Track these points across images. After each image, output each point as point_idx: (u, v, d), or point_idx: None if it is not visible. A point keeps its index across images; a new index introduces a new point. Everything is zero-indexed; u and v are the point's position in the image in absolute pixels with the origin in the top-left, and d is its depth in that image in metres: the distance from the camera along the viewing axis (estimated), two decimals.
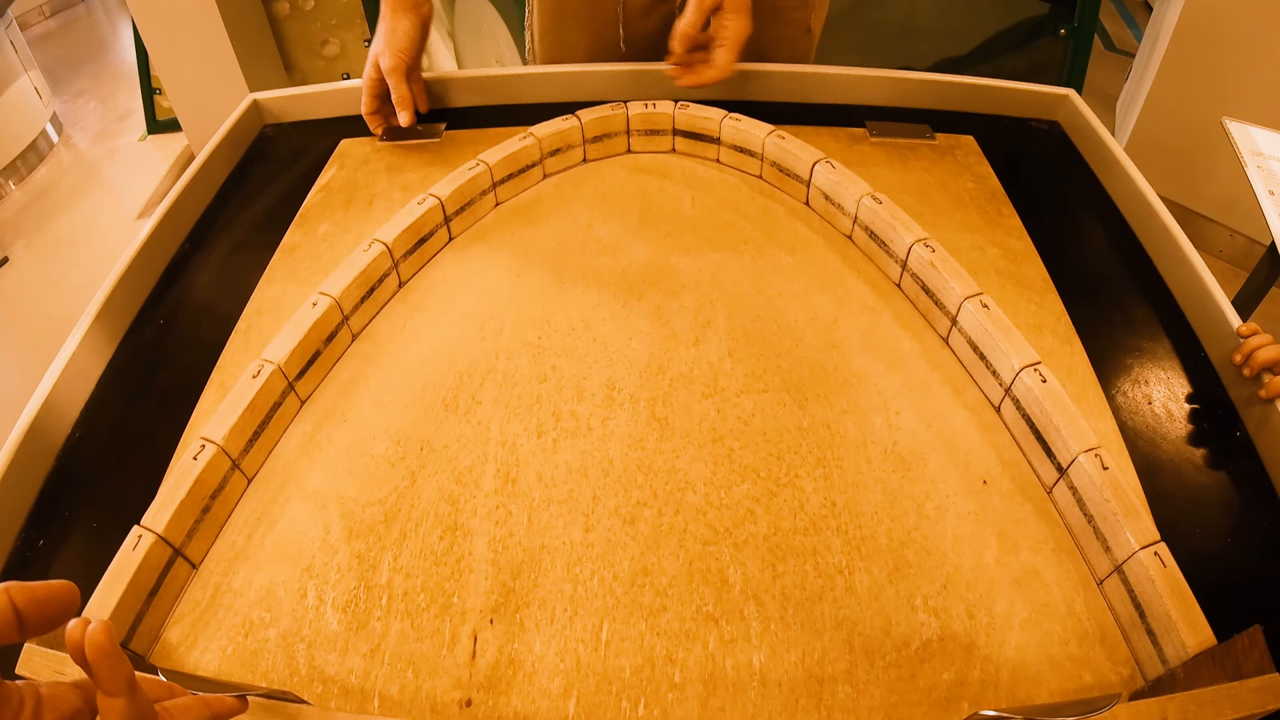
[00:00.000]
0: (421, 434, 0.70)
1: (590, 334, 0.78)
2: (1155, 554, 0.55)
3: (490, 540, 0.63)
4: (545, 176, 0.99)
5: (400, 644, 0.57)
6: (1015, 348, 0.69)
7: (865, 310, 0.81)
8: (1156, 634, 0.53)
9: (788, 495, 0.65)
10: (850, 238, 0.89)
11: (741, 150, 0.98)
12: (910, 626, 0.57)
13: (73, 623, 0.33)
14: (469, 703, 0.54)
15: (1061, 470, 0.63)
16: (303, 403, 0.73)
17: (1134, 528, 0.57)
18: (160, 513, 0.59)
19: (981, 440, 0.69)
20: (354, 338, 0.79)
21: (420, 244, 0.86)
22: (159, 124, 3.22)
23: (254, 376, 0.68)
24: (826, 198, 0.90)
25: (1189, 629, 0.51)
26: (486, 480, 0.67)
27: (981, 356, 0.72)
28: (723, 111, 0.99)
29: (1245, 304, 1.20)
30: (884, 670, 0.55)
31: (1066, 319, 0.80)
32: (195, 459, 0.62)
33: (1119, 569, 0.57)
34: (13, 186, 3.15)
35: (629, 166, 1.01)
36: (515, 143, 0.95)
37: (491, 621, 0.58)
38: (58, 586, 0.33)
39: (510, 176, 0.95)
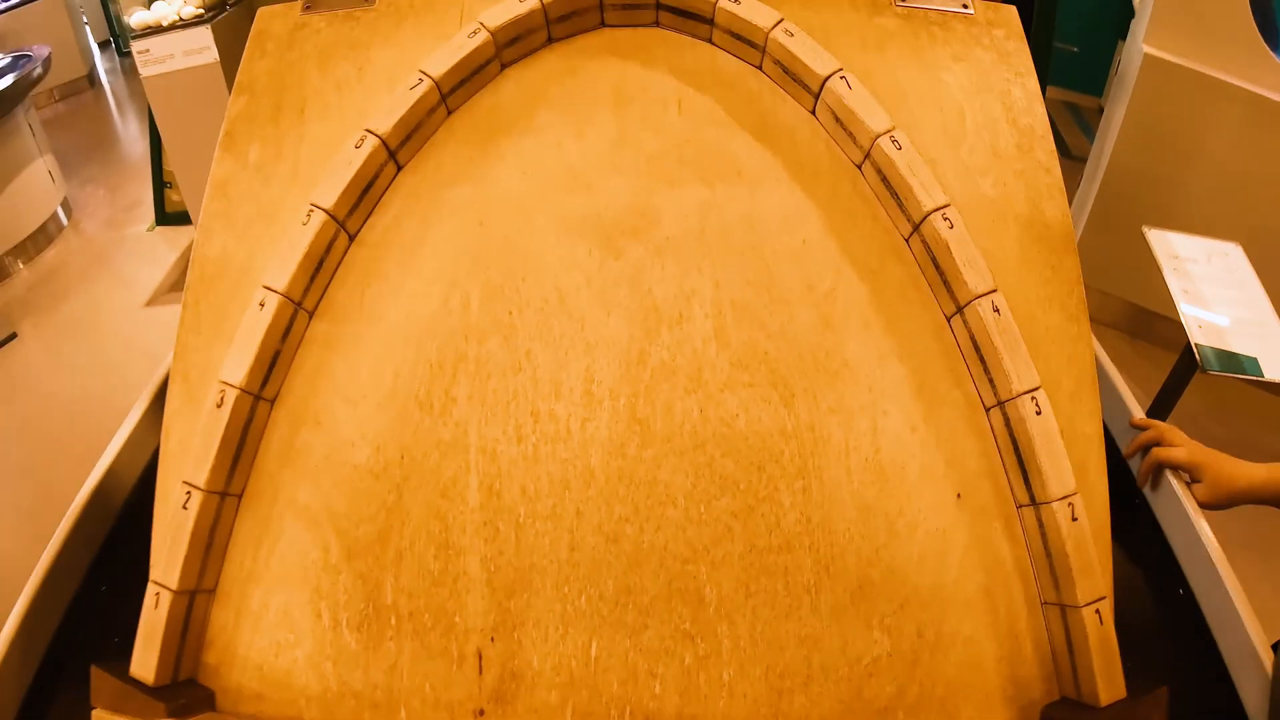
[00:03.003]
0: (400, 440, 0.66)
1: (565, 309, 0.68)
2: (1096, 611, 0.57)
3: (482, 559, 0.63)
4: (503, 67, 0.77)
5: (414, 662, 0.61)
6: (1019, 367, 0.61)
7: (867, 274, 0.70)
8: (1080, 679, 0.58)
9: (765, 510, 0.64)
10: (860, 169, 0.72)
11: (740, 38, 0.74)
12: (864, 644, 0.61)
13: None
14: (481, 712, 0.61)
15: (1034, 503, 0.61)
16: (271, 404, 0.67)
17: (1084, 584, 0.57)
18: (169, 569, 0.59)
19: (966, 447, 0.65)
20: (310, 317, 0.69)
21: (365, 192, 0.70)
22: (168, 216, 3.12)
23: (218, 405, 0.62)
24: (838, 121, 0.71)
25: (1106, 685, 0.55)
26: (471, 494, 0.65)
27: (982, 362, 0.64)
28: None
29: (1171, 390, 1.19)
30: (835, 684, 0.60)
31: (1080, 292, 0.70)
32: (185, 508, 0.60)
33: (1064, 612, 0.59)
34: (21, 266, 3.07)
35: (604, 49, 0.77)
36: (464, 41, 0.71)
37: (492, 640, 0.62)
38: None
39: (462, 83, 0.73)
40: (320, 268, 0.68)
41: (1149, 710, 0.55)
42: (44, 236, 3.22)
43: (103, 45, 5.49)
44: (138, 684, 0.57)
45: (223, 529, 0.63)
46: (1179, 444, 0.77)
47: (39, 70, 3.13)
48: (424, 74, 0.71)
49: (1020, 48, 0.79)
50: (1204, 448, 0.75)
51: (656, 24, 0.78)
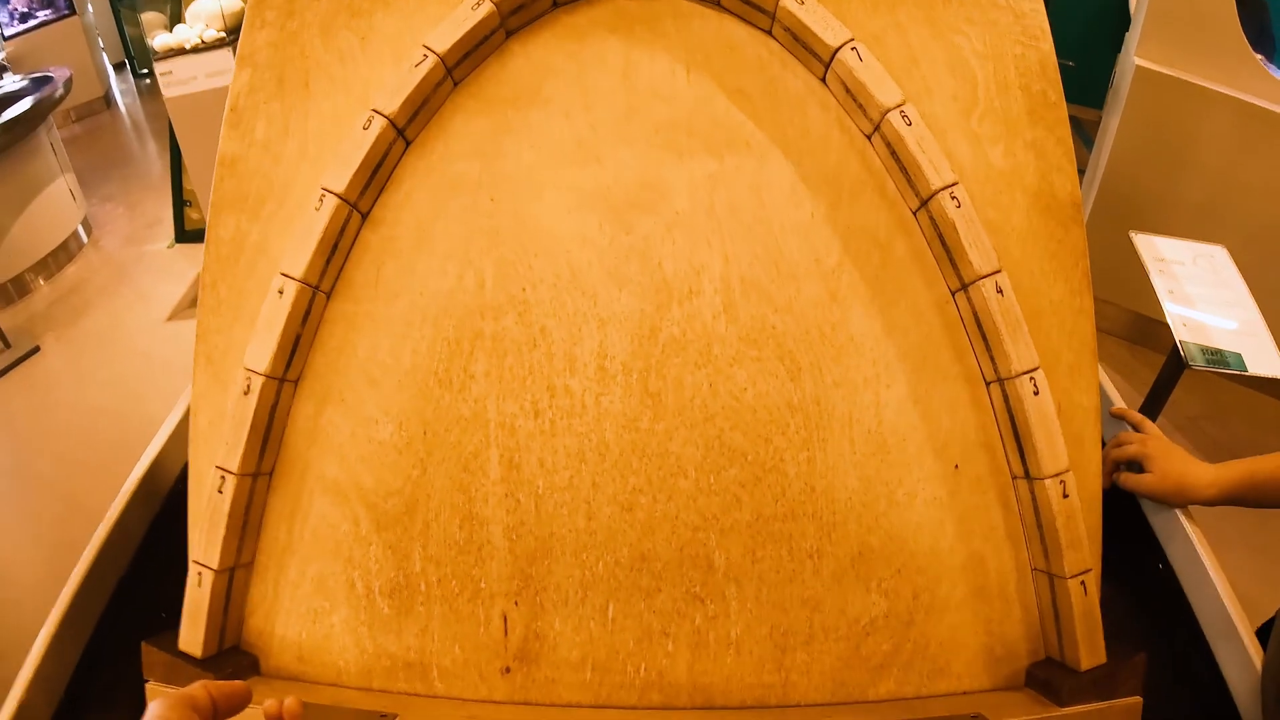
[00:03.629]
0: (421, 415, 0.68)
1: (577, 284, 0.69)
2: (1082, 582, 0.60)
3: (505, 528, 0.66)
4: (509, 35, 0.74)
5: (444, 625, 0.65)
6: (1019, 348, 0.63)
7: (875, 247, 0.70)
8: (1064, 644, 0.61)
9: (772, 480, 0.66)
10: (870, 140, 0.71)
11: (750, 3, 0.71)
12: (863, 606, 0.65)
13: (269, 702, 0.44)
14: (508, 669, 0.65)
15: (1029, 477, 0.63)
16: (295, 384, 0.69)
17: (1072, 557, 0.60)
18: (209, 549, 0.62)
19: (965, 418, 0.67)
20: (328, 297, 0.70)
21: (375, 172, 0.69)
22: (187, 234, 3.13)
23: (245, 393, 0.63)
24: (848, 91, 0.69)
25: (1087, 651, 0.59)
26: (492, 467, 0.67)
27: (984, 339, 0.65)
28: None
29: (1162, 387, 1.21)
30: (835, 642, 0.64)
31: (1085, 265, 0.70)
32: (220, 492, 0.62)
33: (1052, 580, 0.62)
34: (42, 282, 3.08)
35: (611, 14, 0.75)
36: (467, 14, 0.69)
37: (516, 604, 0.65)
38: (239, 686, 0.43)
39: (467, 55, 0.71)
40: (335, 250, 0.68)
41: (1126, 676, 0.59)
42: (65, 253, 3.25)
43: (118, 67, 5.48)
44: (186, 656, 0.61)
45: (256, 507, 0.66)
46: (1148, 435, 0.79)
47: (60, 91, 3.16)
48: (428, 49, 0.69)
49: (1036, 8, 0.76)
50: (1164, 443, 0.77)
51: None
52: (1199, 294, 1.08)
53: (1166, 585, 0.73)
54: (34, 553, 1.76)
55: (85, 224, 3.44)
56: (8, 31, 4.29)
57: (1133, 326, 2.18)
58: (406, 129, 0.71)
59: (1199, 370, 1.01)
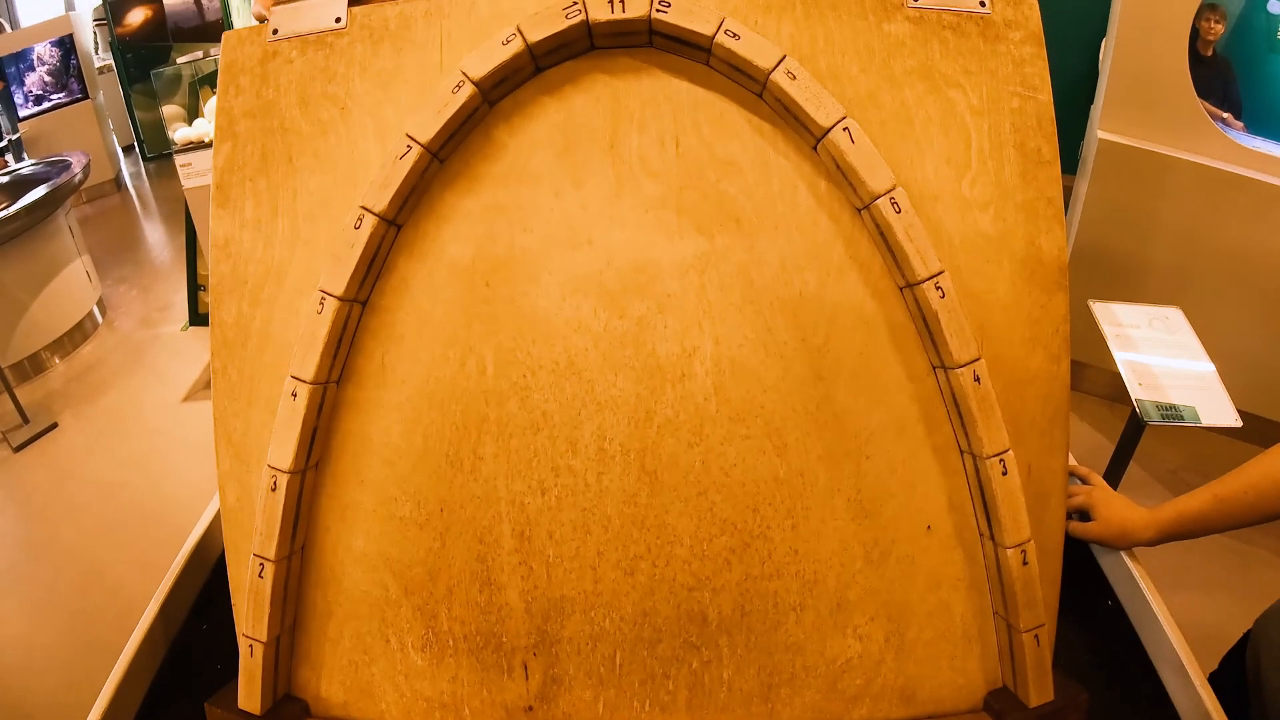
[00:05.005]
0: (437, 494, 0.72)
1: (575, 371, 0.71)
2: (1035, 636, 0.66)
3: (520, 592, 0.72)
4: (492, 104, 0.71)
5: (472, 673, 0.73)
6: (991, 433, 0.65)
7: (860, 324, 0.70)
8: (1016, 682, 0.69)
9: (758, 545, 0.71)
10: (860, 214, 0.70)
11: (739, 71, 0.67)
12: (840, 648, 0.72)
13: None
14: (530, 708, 0.73)
15: (994, 541, 0.68)
16: (317, 468, 0.72)
17: (1027, 615, 0.66)
18: (256, 625, 0.68)
19: (939, 484, 0.71)
20: (337, 386, 0.72)
21: (370, 265, 0.69)
22: (201, 317, 3.14)
23: (272, 490, 0.67)
24: (839, 168, 0.67)
25: (1036, 692, 0.66)
26: (505, 539, 0.72)
27: (960, 416, 0.68)
28: (718, 16, 0.64)
29: (1126, 443, 1.21)
30: (815, 679, 0.72)
31: (1065, 330, 0.71)
32: (260, 577, 0.67)
33: (1010, 629, 0.68)
34: (58, 361, 3.09)
35: (596, 77, 0.70)
36: (448, 98, 0.65)
37: (535, 655, 0.72)
38: None
39: (451, 137, 0.68)
40: (340, 344, 0.69)
41: (1070, 712, 0.67)
42: (80, 333, 3.22)
43: (126, 150, 5.37)
44: (245, 714, 0.69)
45: (294, 581, 0.72)
46: (1093, 486, 0.85)
47: (79, 176, 3.12)
48: (412, 140, 0.66)
49: (1036, 54, 0.72)
50: (1107, 492, 0.83)
51: (649, 45, 0.71)
52: (1155, 354, 1.12)
53: (1116, 620, 0.81)
54: (54, 621, 1.80)
55: (100, 305, 3.44)
56: (22, 113, 4.31)
57: (1112, 386, 2.18)
58: (397, 216, 0.70)
59: (1157, 425, 1.05)
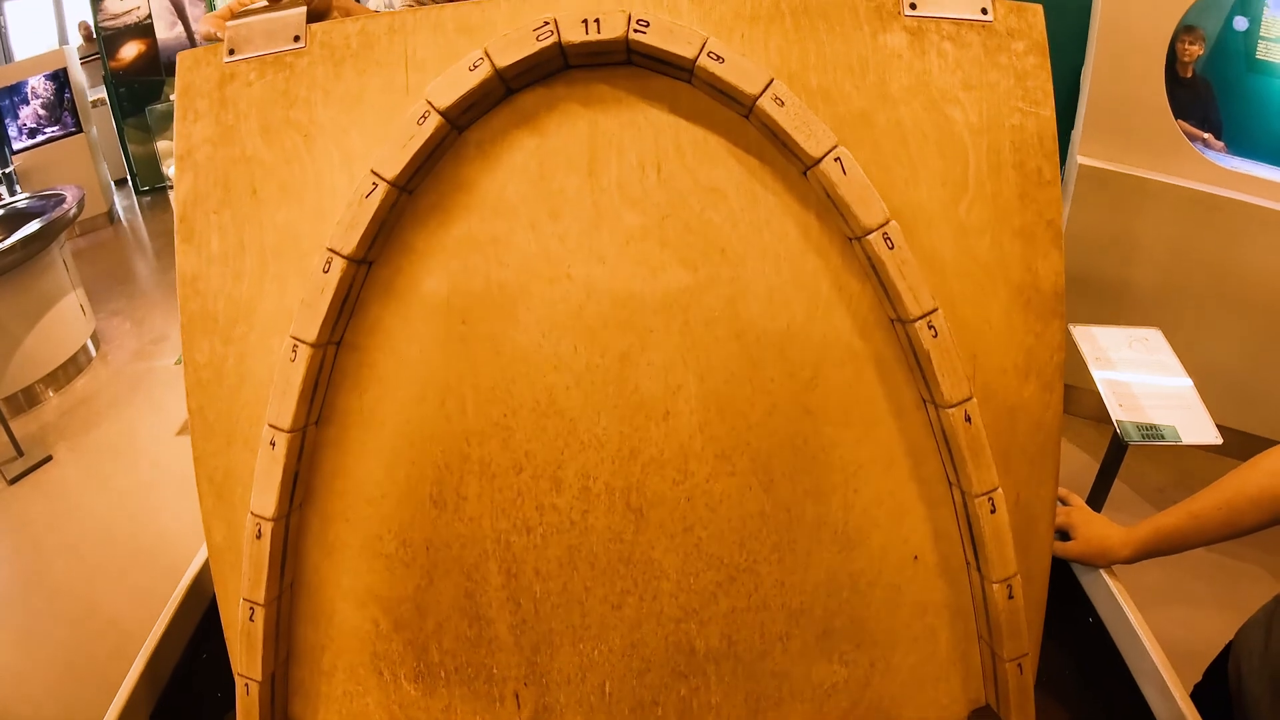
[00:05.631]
0: (422, 533, 0.71)
1: (556, 410, 0.68)
2: (1019, 665, 0.66)
3: (509, 626, 0.72)
4: (461, 131, 0.66)
5: (464, 702, 0.73)
6: (980, 472, 0.63)
7: (849, 358, 0.68)
8: (999, 706, 0.69)
9: (745, 579, 0.71)
10: (851, 243, 0.66)
11: (723, 94, 0.62)
12: (825, 673, 0.72)
13: None
14: None
15: (980, 573, 0.67)
16: (302, 508, 0.71)
17: (1011, 645, 0.66)
18: (250, 665, 0.68)
19: (927, 515, 0.70)
20: (316, 426, 0.70)
21: (343, 306, 0.65)
22: None
23: (257, 537, 0.66)
24: (830, 199, 0.63)
25: (1020, 716, 0.67)
26: (492, 576, 0.71)
27: (949, 451, 0.66)
28: (700, 38, 0.59)
29: (1110, 464, 1.20)
30: (801, 703, 0.72)
31: (1059, 358, 0.68)
32: (252, 620, 0.67)
33: (994, 655, 0.68)
34: (51, 394, 3.04)
35: (572, 97, 0.65)
36: (412, 129, 0.60)
37: (526, 685, 0.73)
38: None
39: (418, 170, 0.64)
40: (316, 388, 0.67)
41: None
42: (74, 366, 3.18)
43: (119, 183, 5.27)
44: None
45: (285, 618, 0.71)
46: (1072, 507, 0.85)
47: (74, 210, 3.08)
48: (378, 177, 0.62)
49: (1039, 66, 0.67)
50: (1086, 512, 0.83)
51: (628, 63, 0.66)
52: (1135, 375, 1.10)
53: (1098, 636, 0.81)
54: (49, 653, 1.79)
55: (94, 338, 3.38)
56: (16, 146, 4.26)
57: (1097, 407, 2.36)
58: (367, 255, 0.66)
59: (1138, 445, 1.04)
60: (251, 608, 0.67)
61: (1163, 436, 1.06)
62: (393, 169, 0.62)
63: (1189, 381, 1.10)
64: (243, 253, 0.69)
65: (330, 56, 0.68)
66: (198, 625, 0.87)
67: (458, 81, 0.62)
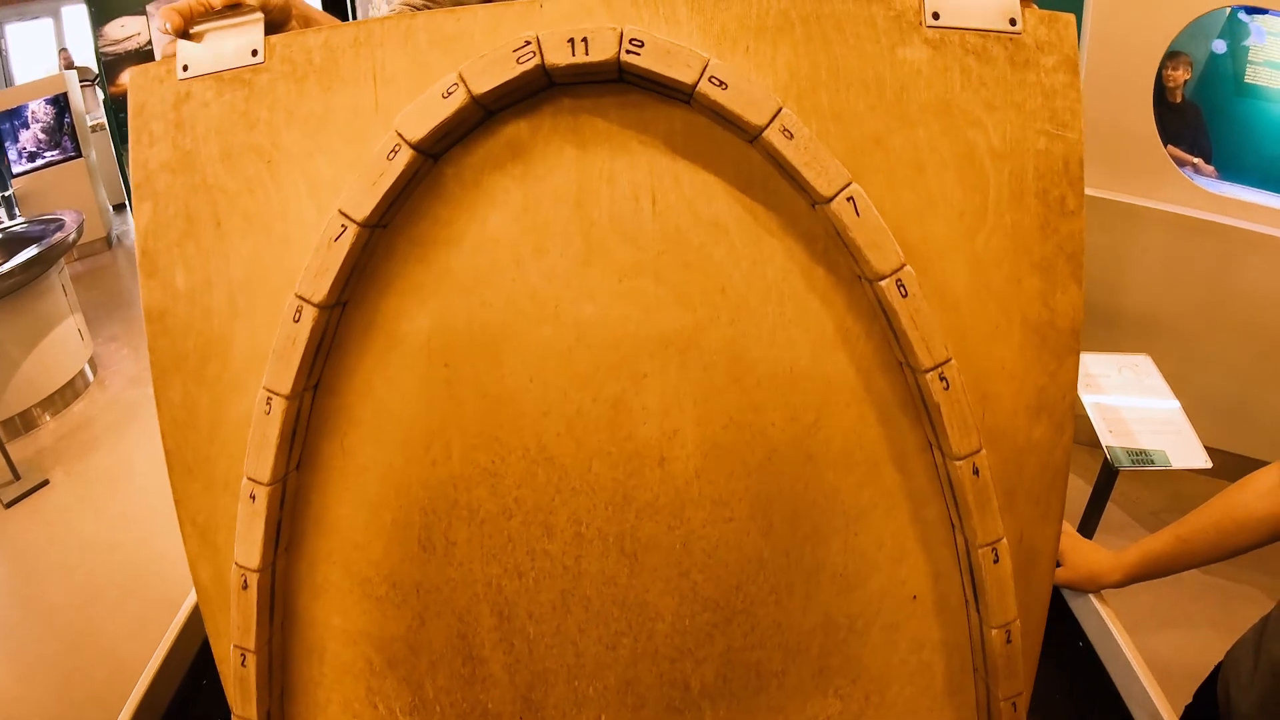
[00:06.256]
0: (412, 577, 0.68)
1: (546, 456, 0.65)
2: (1013, 704, 0.65)
3: (504, 665, 0.71)
4: (436, 159, 0.59)
5: None
6: (985, 524, 0.60)
7: (853, 401, 0.63)
8: None
9: (741, 620, 0.69)
10: (860, 281, 0.61)
11: (726, 121, 0.56)
12: (820, 706, 0.71)
13: None
14: None
15: (980, 616, 0.65)
16: (288, 551, 0.68)
17: (1006, 685, 0.65)
18: (245, 707, 0.67)
19: (927, 556, 0.67)
20: (297, 471, 0.66)
21: (316, 356, 0.61)
22: None
23: (244, 588, 0.63)
24: (840, 240, 0.57)
25: None
26: (485, 618, 0.69)
27: (954, 500, 0.63)
28: (701, 61, 0.52)
29: (1101, 490, 1.17)
30: None
31: (1072, 395, 0.64)
32: (244, 665, 0.65)
33: (989, 690, 0.67)
34: (49, 418, 3.00)
35: (557, 119, 0.59)
36: (382, 166, 0.54)
37: (521, 719, 0.72)
38: None
39: (391, 205, 0.58)
40: (295, 436, 0.63)
41: None
42: (71, 391, 3.11)
43: (118, 208, 5.18)
44: None
45: (278, 658, 0.70)
46: (1061, 533, 0.83)
47: (73, 235, 3.05)
48: (346, 219, 0.56)
49: (1070, 84, 0.60)
50: (1075, 538, 0.81)
51: (620, 80, 0.59)
52: (1125, 401, 1.08)
53: (1088, 659, 0.80)
54: (44, 679, 1.77)
55: (92, 363, 3.30)
56: (16, 169, 4.23)
57: (1091, 433, 2.46)
58: (340, 297, 0.61)
59: (1129, 470, 1.02)
60: (243, 654, 0.66)
61: (1152, 461, 1.05)
62: (362, 210, 0.56)
63: (1178, 406, 1.09)
64: (210, 289, 0.64)
65: (292, 73, 0.61)
66: (197, 653, 0.86)
67: (430, 111, 0.56)
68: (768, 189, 0.61)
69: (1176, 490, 2.11)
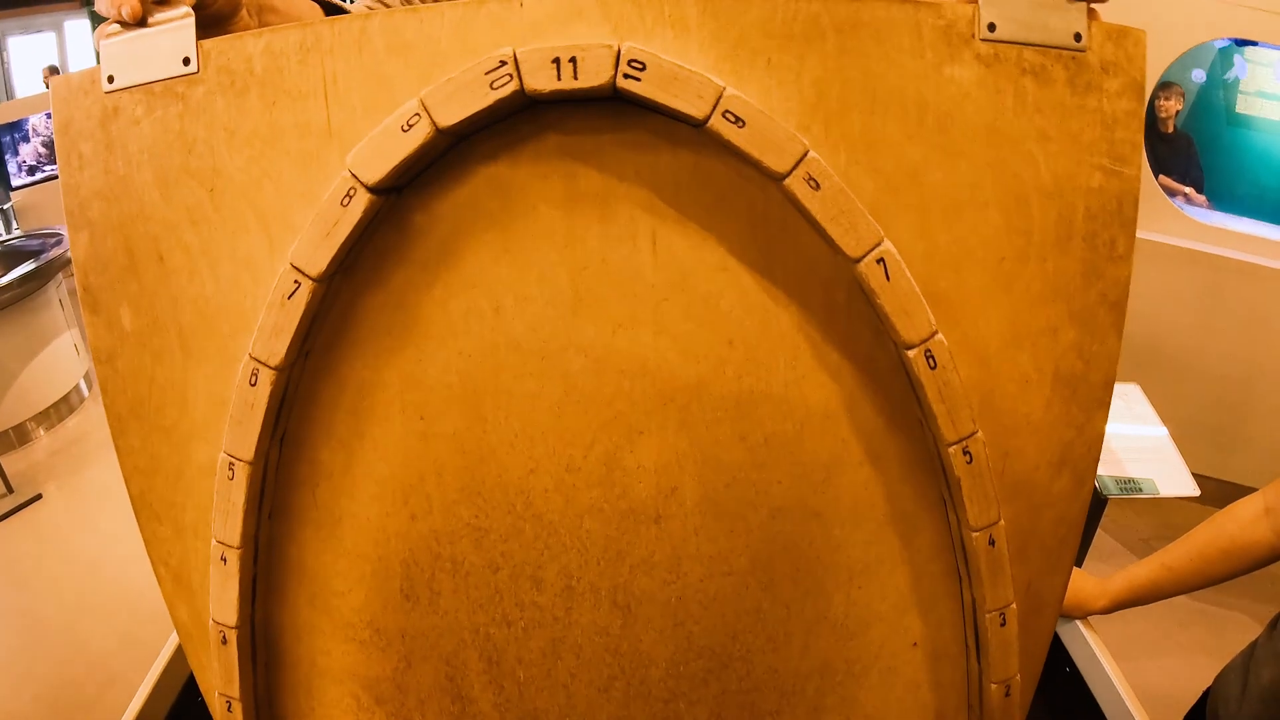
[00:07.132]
0: (395, 623, 0.65)
1: (533, 513, 0.59)
2: None
3: (494, 704, 0.68)
4: (400, 193, 0.50)
5: None
6: (996, 591, 0.57)
7: (869, 459, 0.58)
8: None
9: (737, 666, 0.66)
10: (882, 334, 0.53)
11: (745, 159, 0.46)
12: None
13: None
14: None
15: (980, 671, 0.63)
16: (267, 598, 0.64)
17: None
18: None
19: (930, 607, 0.64)
20: (269, 521, 0.61)
21: (278, 418, 0.54)
22: None
23: (223, 643, 0.60)
24: (869, 304, 0.49)
25: None
26: (473, 661, 0.66)
27: (966, 568, 0.58)
28: (715, 90, 0.42)
29: (1088, 522, 1.06)
30: None
31: (1097, 450, 0.58)
32: (230, 710, 0.63)
33: None
34: (43, 432, 2.94)
35: (541, 147, 0.49)
36: (337, 213, 0.45)
37: None
38: None
39: (349, 253, 0.49)
40: (263, 496, 0.57)
41: None
42: (66, 406, 3.01)
43: None
44: None
45: (264, 697, 0.67)
46: None
47: (70, 250, 2.62)
48: (300, 274, 0.48)
49: (1133, 112, 0.51)
50: None
51: (614, 98, 0.49)
52: (1114, 429, 1.04)
53: (1074, 684, 0.79)
54: (35, 692, 1.74)
55: (87, 378, 3.16)
56: (16, 183, 4.07)
57: None
58: (298, 357, 0.54)
59: (1117, 499, 0.98)
60: (228, 700, 0.63)
61: (1140, 490, 1.03)
62: (316, 264, 0.48)
63: (1166, 434, 1.06)
64: (159, 331, 0.56)
65: (231, 85, 0.51)
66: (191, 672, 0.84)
67: (389, 148, 0.46)
68: (785, 229, 0.52)
69: (1165, 518, 2.11)
